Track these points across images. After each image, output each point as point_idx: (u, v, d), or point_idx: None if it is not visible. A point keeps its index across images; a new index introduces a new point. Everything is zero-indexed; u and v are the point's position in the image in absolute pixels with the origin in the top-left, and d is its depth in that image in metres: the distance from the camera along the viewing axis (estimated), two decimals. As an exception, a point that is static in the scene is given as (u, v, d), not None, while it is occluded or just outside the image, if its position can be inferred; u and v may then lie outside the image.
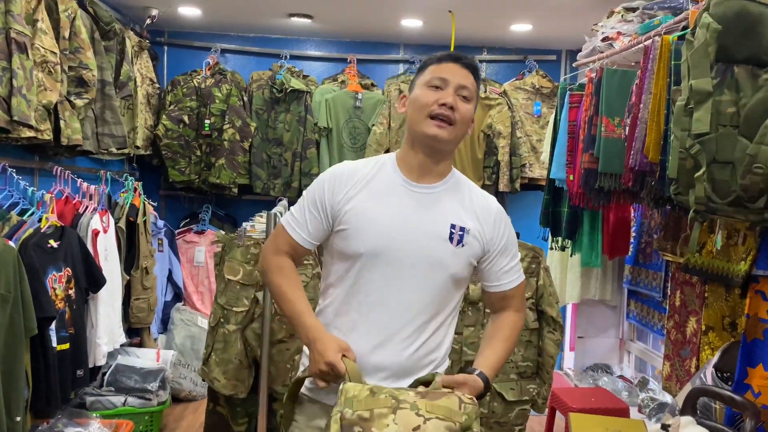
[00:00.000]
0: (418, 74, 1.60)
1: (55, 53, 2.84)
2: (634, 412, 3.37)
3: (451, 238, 1.53)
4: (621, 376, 3.95)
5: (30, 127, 2.63)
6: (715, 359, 2.15)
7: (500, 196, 4.59)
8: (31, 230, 2.67)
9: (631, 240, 3.56)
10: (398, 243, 1.51)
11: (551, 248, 3.57)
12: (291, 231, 1.59)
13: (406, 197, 1.55)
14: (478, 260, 1.59)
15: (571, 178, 2.96)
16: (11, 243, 2.45)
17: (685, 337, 2.68)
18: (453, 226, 1.53)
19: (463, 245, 1.54)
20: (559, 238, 3.42)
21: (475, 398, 1.43)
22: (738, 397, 1.88)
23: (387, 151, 4.44)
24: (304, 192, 1.63)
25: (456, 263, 1.54)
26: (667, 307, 2.93)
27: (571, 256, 3.58)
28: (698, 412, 2.01)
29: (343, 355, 1.44)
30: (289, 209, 1.71)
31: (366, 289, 1.53)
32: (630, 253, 3.60)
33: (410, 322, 1.52)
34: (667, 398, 3.32)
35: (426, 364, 1.55)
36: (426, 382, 1.49)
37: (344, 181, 1.57)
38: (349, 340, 1.50)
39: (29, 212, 2.82)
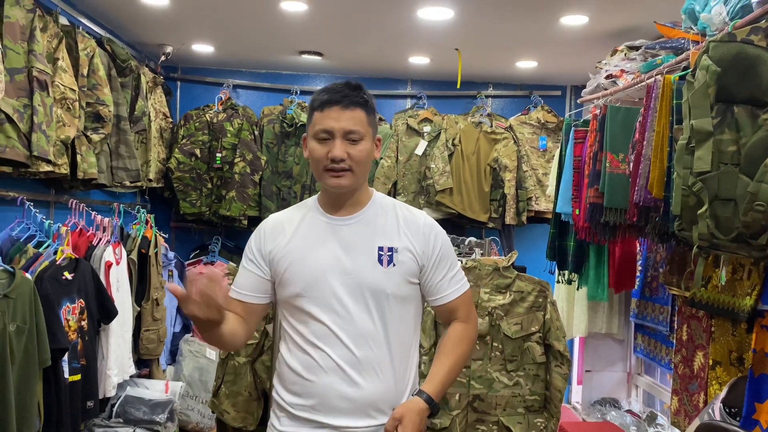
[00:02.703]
0: (308, 118, 1.62)
1: (74, 90, 2.93)
2: (643, 447, 3.34)
3: (380, 260, 1.57)
4: (629, 411, 3.91)
5: (48, 161, 2.70)
6: (722, 394, 2.16)
7: (507, 229, 4.63)
8: (46, 262, 2.72)
9: (637, 274, 3.57)
10: (330, 275, 1.56)
11: (558, 282, 3.58)
12: (234, 294, 1.64)
13: (330, 232, 1.60)
14: (418, 276, 1.62)
15: (577, 212, 2.99)
16: (28, 275, 2.50)
17: (693, 372, 2.68)
18: (381, 248, 1.58)
19: (394, 264, 1.57)
20: (566, 272, 3.44)
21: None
22: (746, 433, 1.88)
23: (394, 184, 4.50)
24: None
25: (391, 283, 1.57)
26: (674, 341, 2.93)
27: (577, 289, 3.60)
28: (706, 447, 2.01)
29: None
30: None
31: (314, 327, 1.56)
32: (636, 286, 3.61)
33: (366, 351, 1.54)
34: (676, 433, 3.29)
35: (393, 396, 1.58)
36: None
37: (269, 232, 1.64)
38: (311, 379, 1.55)
39: (45, 244, 2.87)
